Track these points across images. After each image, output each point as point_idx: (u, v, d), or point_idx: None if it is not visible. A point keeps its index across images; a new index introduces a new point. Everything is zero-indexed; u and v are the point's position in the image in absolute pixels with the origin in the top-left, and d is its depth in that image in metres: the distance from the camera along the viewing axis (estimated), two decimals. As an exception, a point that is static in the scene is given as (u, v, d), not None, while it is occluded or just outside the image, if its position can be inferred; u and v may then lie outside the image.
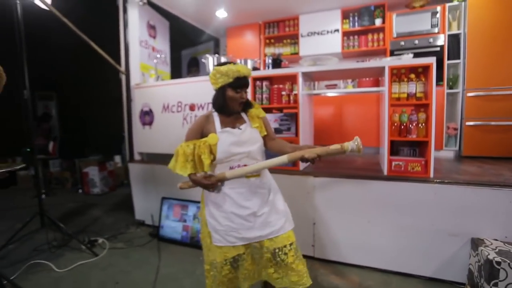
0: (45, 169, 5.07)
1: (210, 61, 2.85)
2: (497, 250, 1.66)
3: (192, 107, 2.82)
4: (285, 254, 1.37)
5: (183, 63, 5.74)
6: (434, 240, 1.95)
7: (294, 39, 4.15)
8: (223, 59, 2.81)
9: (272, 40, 4.31)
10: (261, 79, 2.46)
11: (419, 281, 2.00)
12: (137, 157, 3.24)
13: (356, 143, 1.19)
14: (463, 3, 3.16)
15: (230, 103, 1.38)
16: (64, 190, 4.87)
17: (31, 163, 2.36)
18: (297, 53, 4.11)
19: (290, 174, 2.30)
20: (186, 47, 5.55)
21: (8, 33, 2.38)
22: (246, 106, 1.46)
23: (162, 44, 3.95)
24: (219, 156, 1.34)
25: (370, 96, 3.38)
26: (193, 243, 2.59)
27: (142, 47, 3.40)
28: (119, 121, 3.35)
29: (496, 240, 1.80)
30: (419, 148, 2.25)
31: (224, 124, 1.40)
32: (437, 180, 1.93)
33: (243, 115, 1.47)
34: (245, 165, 1.36)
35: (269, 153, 1.49)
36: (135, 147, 3.22)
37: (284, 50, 4.20)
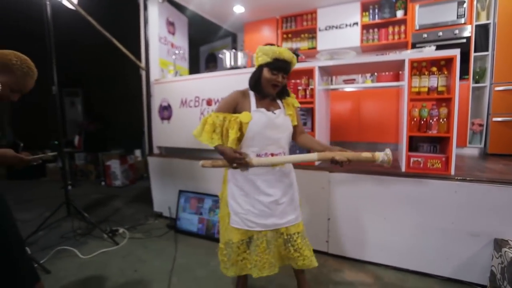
0: (71, 162, 5.35)
1: (227, 56, 2.88)
2: (522, 251, 1.58)
3: (209, 102, 2.87)
4: (295, 240, 1.46)
5: (201, 59, 5.82)
6: (454, 240, 1.89)
7: (311, 33, 4.09)
8: (239, 55, 2.83)
9: (290, 35, 4.27)
10: (277, 74, 2.45)
11: (436, 281, 1.95)
12: (156, 151, 3.34)
13: (387, 155, 1.20)
14: (493, -9, 2.98)
15: (264, 84, 1.36)
16: (88, 181, 5.12)
17: (59, 155, 2.50)
18: (314, 48, 4.05)
19: (304, 168, 2.29)
20: (204, 43, 5.62)
21: (39, 32, 2.51)
22: (283, 93, 1.46)
23: (181, 40, 4.02)
24: (248, 134, 1.32)
25: (389, 91, 3.28)
26: (208, 235, 2.65)
27: (161, 43, 3.49)
28: (140, 117, 3.47)
29: (522, 241, 1.71)
30: (440, 144, 2.17)
31: (259, 105, 1.38)
32: (458, 178, 1.86)
33: (278, 102, 1.47)
34: (272, 154, 1.38)
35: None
36: (154, 141, 3.32)
37: (302, 45, 4.16)
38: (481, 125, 3.03)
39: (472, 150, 3.13)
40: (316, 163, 2.36)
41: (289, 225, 1.46)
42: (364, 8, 3.75)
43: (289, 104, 1.48)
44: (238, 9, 4.01)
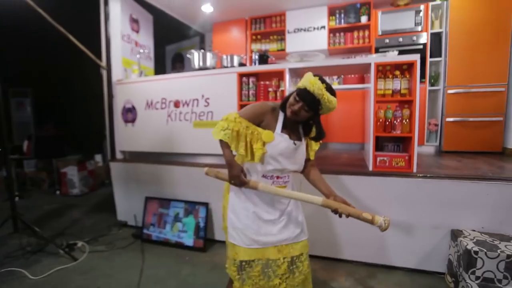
0: (19, 170, 4.82)
1: (195, 56, 2.78)
2: (474, 240, 1.71)
3: (177, 104, 2.74)
4: (301, 262, 1.38)
5: (167, 59, 5.60)
6: (417, 233, 2.00)
7: (280, 35, 4.13)
8: (208, 55, 2.75)
9: (259, 36, 4.27)
10: (248, 75, 2.42)
11: (403, 272, 2.05)
12: (119, 155, 3.13)
13: (386, 222, 1.20)
14: (445, 2, 3.24)
15: (287, 106, 1.27)
16: (40, 191, 4.64)
17: (3, 163, 2.21)
18: (283, 50, 4.09)
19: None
20: (171, 42, 5.41)
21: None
22: (308, 129, 1.36)
23: (146, 39, 3.82)
24: (266, 156, 1.27)
25: (355, 92, 3.41)
26: (177, 243, 2.53)
27: (124, 41, 3.28)
28: (101, 119, 3.22)
29: (474, 230, 1.86)
30: (403, 143, 2.29)
31: (284, 128, 1.31)
32: (420, 175, 1.97)
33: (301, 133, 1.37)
34: (277, 177, 1.33)
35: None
36: (117, 146, 3.10)
37: (271, 47, 4.18)
38: (436, 125, 3.27)
39: (429, 148, 3.36)
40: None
41: (293, 242, 1.37)
42: (331, 13, 3.87)
43: (311, 145, 1.41)
44: (207, 8, 3.92)
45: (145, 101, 2.90)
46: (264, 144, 1.26)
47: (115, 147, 3.10)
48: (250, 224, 1.33)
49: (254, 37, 4.28)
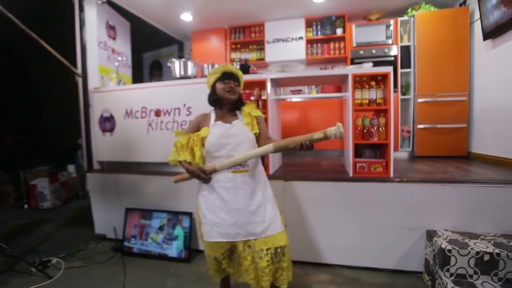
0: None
1: (176, 65, 2.77)
2: (447, 239, 1.84)
3: (157, 113, 2.70)
4: (260, 257, 1.42)
5: (145, 66, 5.50)
6: (396, 235, 2.10)
7: (260, 45, 4.22)
8: (189, 64, 2.75)
9: (238, 46, 4.34)
10: (230, 84, 2.45)
11: (384, 273, 2.13)
12: (96, 166, 3.01)
13: (339, 128, 1.19)
14: (412, 18, 3.50)
15: (220, 94, 1.50)
16: (5, 206, 4.31)
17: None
18: (263, 59, 4.18)
19: (261, 178, 2.30)
20: (148, 49, 5.33)
21: None
22: (238, 103, 1.56)
23: (123, 46, 3.75)
24: (206, 146, 1.44)
25: (333, 101, 3.56)
26: (161, 255, 2.46)
27: (100, 48, 3.20)
28: (73, 128, 3.09)
29: (447, 230, 1.99)
30: (380, 150, 2.42)
31: (218, 119, 1.52)
32: (397, 179, 2.09)
33: (238, 113, 1.57)
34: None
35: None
36: (94, 156, 2.99)
37: (250, 56, 4.25)
38: (408, 131, 3.49)
39: (403, 153, 3.57)
40: (271, 171, 2.40)
41: (254, 238, 1.44)
42: (308, 24, 4.03)
43: (246, 114, 1.56)
44: (186, 17, 3.93)
45: (124, 110, 2.83)
46: (203, 143, 1.45)
47: (92, 157, 2.98)
48: (214, 219, 1.44)
49: (233, 46, 4.34)
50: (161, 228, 2.55)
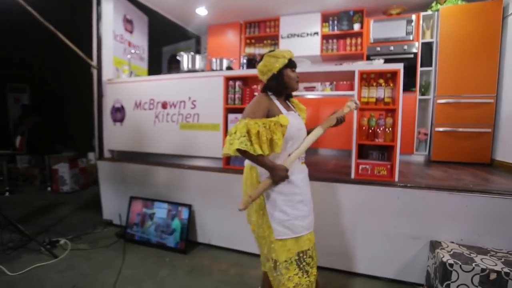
0: (12, 165, 4.83)
1: (185, 58, 2.80)
2: (451, 252, 1.70)
3: (164, 105, 2.75)
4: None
5: (164, 60, 5.63)
6: (397, 243, 1.99)
7: (274, 40, 4.15)
8: (197, 57, 2.76)
9: (253, 41, 4.29)
10: (235, 79, 2.43)
11: (383, 282, 2.03)
12: (107, 154, 3.13)
13: (353, 102, 1.55)
14: (436, 12, 3.26)
15: (290, 83, 1.40)
16: (32, 187, 4.65)
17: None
18: (277, 55, 4.10)
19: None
20: (167, 43, 5.44)
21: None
22: (289, 94, 1.51)
23: (140, 40, 3.85)
24: (287, 138, 1.31)
25: (346, 99, 3.42)
26: (159, 244, 2.52)
27: (117, 41, 3.30)
28: (91, 117, 3.23)
29: (453, 242, 1.85)
30: (388, 152, 2.28)
31: (285, 108, 1.39)
32: (400, 184, 1.96)
33: (288, 103, 1.50)
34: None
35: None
36: (105, 144, 3.11)
37: (265, 51, 4.14)
38: (425, 134, 3.27)
39: (419, 157, 3.36)
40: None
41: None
42: (324, 19, 3.89)
43: (296, 105, 1.54)
44: (201, 11, 3.94)
45: (134, 101, 2.91)
46: (282, 131, 1.28)
47: (103, 146, 3.11)
48: (296, 213, 1.34)
49: (248, 41, 4.30)
50: (151, 217, 2.61)
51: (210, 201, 2.50)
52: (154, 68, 4.25)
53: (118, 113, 3.02)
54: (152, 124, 2.82)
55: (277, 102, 1.38)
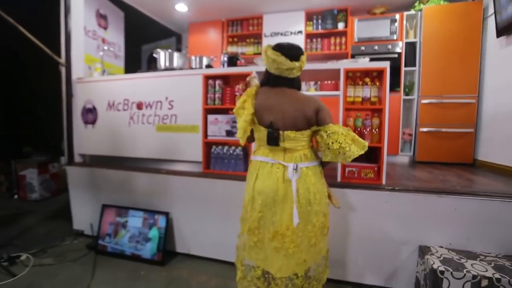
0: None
1: (161, 56, 2.63)
2: (441, 258, 1.63)
3: (139, 106, 2.56)
4: None
5: (144, 59, 5.39)
6: (385, 249, 1.90)
7: (257, 38, 4.04)
8: (175, 55, 2.60)
9: (235, 39, 4.16)
10: (214, 77, 2.29)
11: (371, 290, 1.94)
12: (78, 159, 2.90)
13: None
14: (419, 12, 3.24)
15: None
16: (-3, 195, 4.29)
17: None
18: (260, 53, 3.99)
19: (238, 180, 2.14)
20: (147, 41, 5.21)
21: None
22: None
23: (115, 36, 3.63)
24: None
25: (331, 99, 3.33)
26: (134, 256, 2.33)
27: (89, 37, 3.08)
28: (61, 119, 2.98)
29: (442, 247, 1.78)
30: (374, 154, 2.20)
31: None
32: (388, 188, 1.88)
33: None
34: None
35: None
36: (76, 148, 2.88)
37: (247, 50, 4.07)
38: (410, 134, 3.25)
39: (403, 158, 3.33)
40: (254, 173, 2.23)
41: None
42: (308, 18, 3.81)
43: None
44: (181, 7, 3.78)
45: (107, 101, 2.70)
46: None
47: (73, 150, 2.87)
48: None
49: (230, 39, 4.16)
50: (124, 226, 2.42)
51: (189, 208, 2.34)
52: (133, 67, 4.02)
53: (90, 114, 2.80)
54: (127, 126, 2.63)
55: None
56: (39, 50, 2.55)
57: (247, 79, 1.70)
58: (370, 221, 1.91)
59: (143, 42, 5.21)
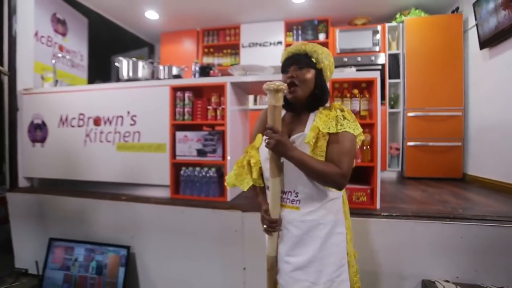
0: None
1: (124, 65, 2.31)
2: (451, 298, 1.39)
3: (97, 121, 2.21)
4: None
5: (114, 70, 5.01)
6: (384, 284, 1.64)
7: (235, 49, 3.82)
8: (140, 64, 2.29)
9: (212, 49, 3.92)
10: (183, 89, 1.99)
11: (368, 335, 1.65)
12: (23, 183, 2.46)
13: None
14: (401, 24, 3.17)
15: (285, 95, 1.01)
16: None
17: None
18: (237, 65, 3.76)
19: (214, 207, 1.82)
20: (116, 52, 4.84)
21: None
22: (315, 100, 1.01)
23: (77, 44, 3.28)
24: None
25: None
26: (82, 303, 1.91)
27: (41, 43, 2.71)
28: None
29: (448, 281, 1.54)
30: (365, 174, 1.98)
31: (282, 125, 0.99)
32: (384, 214, 1.64)
33: (311, 117, 1.01)
34: (282, 192, 1.01)
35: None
36: (21, 171, 2.44)
37: (224, 61, 3.84)
38: (397, 149, 3.09)
39: (391, 174, 3.15)
40: (229, 198, 1.92)
41: None
42: (288, 28, 3.67)
43: (314, 126, 0.96)
44: (151, 15, 3.50)
45: (59, 116, 2.32)
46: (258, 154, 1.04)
47: (17, 173, 2.44)
48: None
49: (206, 50, 3.92)
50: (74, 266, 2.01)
51: (156, 240, 1.97)
52: (102, 79, 3.67)
53: (38, 131, 2.40)
54: (82, 145, 2.25)
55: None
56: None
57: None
58: (365, 253, 1.64)
59: (113, 52, 4.84)
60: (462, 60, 2.91)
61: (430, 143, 2.93)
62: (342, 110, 0.99)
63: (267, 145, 0.91)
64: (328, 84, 1.08)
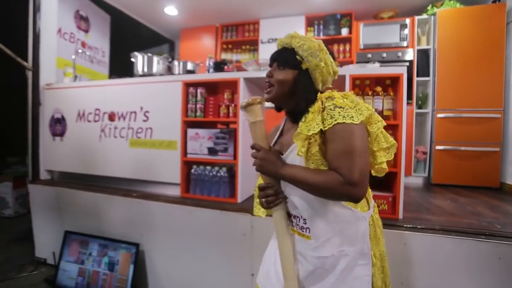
0: None
1: (139, 60, 2.30)
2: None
3: (111, 117, 2.21)
4: None
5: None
6: (404, 303, 1.48)
7: (253, 45, 3.73)
8: (155, 59, 2.27)
9: (230, 45, 3.86)
10: (196, 85, 1.93)
11: None
12: (44, 175, 2.54)
13: None
14: (432, 17, 2.91)
15: None
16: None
17: None
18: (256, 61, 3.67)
19: (222, 209, 1.75)
20: (138, 48, 4.92)
21: None
22: (296, 105, 0.85)
23: (99, 41, 3.34)
24: None
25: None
26: (93, 296, 1.92)
27: (64, 40, 2.78)
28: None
29: (482, 307, 1.36)
30: (387, 179, 1.81)
31: (280, 135, 0.96)
32: (408, 225, 1.48)
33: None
34: (289, 214, 0.90)
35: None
36: (42, 164, 2.52)
37: (243, 57, 3.76)
38: (424, 153, 2.85)
39: (417, 179, 2.93)
40: (240, 199, 1.84)
41: None
42: (309, 23, 3.51)
43: (298, 133, 0.80)
44: (171, 10, 3.49)
45: (77, 111, 2.37)
46: None
47: (39, 166, 2.51)
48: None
49: (225, 46, 3.86)
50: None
51: (164, 239, 1.94)
52: (120, 75, 3.75)
53: (58, 125, 2.46)
54: (98, 140, 2.27)
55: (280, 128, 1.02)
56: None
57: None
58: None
59: (134, 49, 4.93)
60: (504, 56, 2.61)
61: (462, 148, 2.67)
62: (331, 98, 0.78)
63: (256, 167, 0.81)
64: (330, 85, 0.90)
